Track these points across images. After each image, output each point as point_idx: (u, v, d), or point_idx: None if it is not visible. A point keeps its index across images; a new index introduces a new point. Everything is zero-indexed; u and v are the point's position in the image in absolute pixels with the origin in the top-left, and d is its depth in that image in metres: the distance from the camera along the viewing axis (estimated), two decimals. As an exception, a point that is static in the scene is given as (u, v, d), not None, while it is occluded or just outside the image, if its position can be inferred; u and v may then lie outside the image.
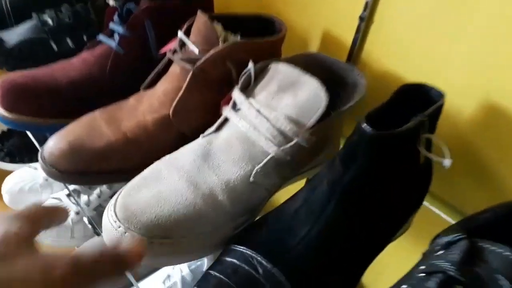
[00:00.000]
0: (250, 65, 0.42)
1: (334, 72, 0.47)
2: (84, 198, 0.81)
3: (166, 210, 0.36)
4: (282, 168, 0.40)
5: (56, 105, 0.53)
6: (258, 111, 0.39)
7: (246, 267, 0.35)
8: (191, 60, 0.46)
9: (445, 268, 0.29)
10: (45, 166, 0.45)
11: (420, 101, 0.39)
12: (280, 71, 0.40)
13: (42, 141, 0.51)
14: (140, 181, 0.39)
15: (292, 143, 0.38)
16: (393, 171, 0.36)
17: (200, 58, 0.45)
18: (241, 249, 0.36)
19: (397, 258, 0.47)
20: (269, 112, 0.39)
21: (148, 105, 0.48)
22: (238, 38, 0.47)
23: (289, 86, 0.39)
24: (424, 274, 0.30)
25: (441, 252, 0.31)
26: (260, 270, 0.34)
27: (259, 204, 0.42)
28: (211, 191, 0.38)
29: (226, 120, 0.42)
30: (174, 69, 0.48)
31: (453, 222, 0.49)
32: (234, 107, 0.42)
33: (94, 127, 0.46)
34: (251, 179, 0.39)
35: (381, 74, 0.52)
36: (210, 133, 0.42)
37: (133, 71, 0.55)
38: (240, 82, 0.42)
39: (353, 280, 0.37)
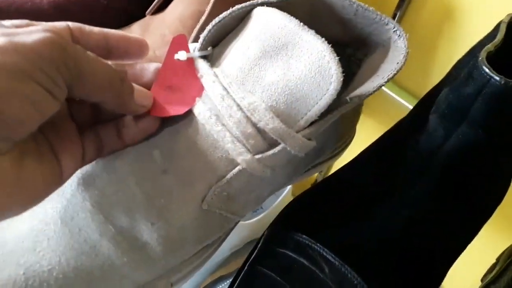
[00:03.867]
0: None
1: (353, 26, 0.28)
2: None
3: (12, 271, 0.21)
4: (259, 185, 0.26)
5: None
6: (226, 90, 0.23)
7: (306, 263, 0.26)
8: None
9: None
10: None
11: None
12: (267, 23, 0.23)
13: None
14: None
15: (276, 149, 0.23)
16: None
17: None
18: (297, 237, 0.27)
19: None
20: (243, 94, 0.23)
21: (158, 36, 0.36)
22: None
23: (279, 50, 0.23)
24: None
25: None
26: (327, 269, 0.25)
27: (214, 244, 0.28)
28: (132, 227, 0.23)
29: None
30: (192, -15, 0.36)
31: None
32: None
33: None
34: (204, 204, 0.24)
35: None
36: None
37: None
38: (204, 35, 0.24)
39: (441, 276, 0.28)
